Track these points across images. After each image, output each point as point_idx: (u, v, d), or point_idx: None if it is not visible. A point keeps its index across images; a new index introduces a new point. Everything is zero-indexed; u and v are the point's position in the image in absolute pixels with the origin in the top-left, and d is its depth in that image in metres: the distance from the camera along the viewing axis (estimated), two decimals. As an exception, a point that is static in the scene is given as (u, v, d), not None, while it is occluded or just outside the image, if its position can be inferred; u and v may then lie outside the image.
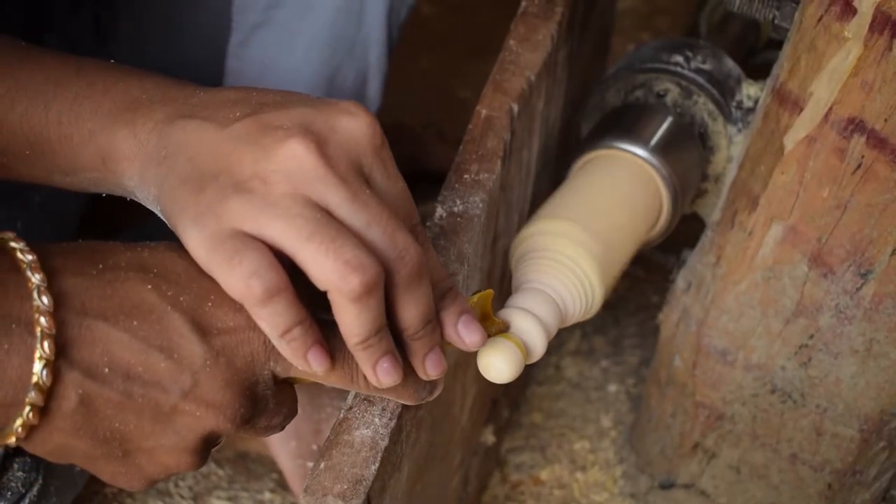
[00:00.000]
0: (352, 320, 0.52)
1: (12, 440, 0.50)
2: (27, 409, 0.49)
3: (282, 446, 1.04)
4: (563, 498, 1.09)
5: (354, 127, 0.54)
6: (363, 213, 0.52)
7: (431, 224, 0.71)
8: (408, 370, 0.57)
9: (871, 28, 0.68)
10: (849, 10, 0.69)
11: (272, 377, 0.55)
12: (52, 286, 0.50)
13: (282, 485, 1.09)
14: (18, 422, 0.50)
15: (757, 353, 0.89)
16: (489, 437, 1.03)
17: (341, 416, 0.62)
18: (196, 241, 0.51)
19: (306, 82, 0.91)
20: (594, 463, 1.12)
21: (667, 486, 1.08)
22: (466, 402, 0.87)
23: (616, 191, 0.83)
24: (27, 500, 0.81)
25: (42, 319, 0.49)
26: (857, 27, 0.69)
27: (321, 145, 0.52)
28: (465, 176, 0.74)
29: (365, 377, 0.56)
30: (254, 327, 0.53)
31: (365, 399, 0.62)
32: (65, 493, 0.87)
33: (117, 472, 0.54)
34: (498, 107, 0.78)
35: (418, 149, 1.37)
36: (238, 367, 0.53)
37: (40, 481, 0.81)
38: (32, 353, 0.48)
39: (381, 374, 0.54)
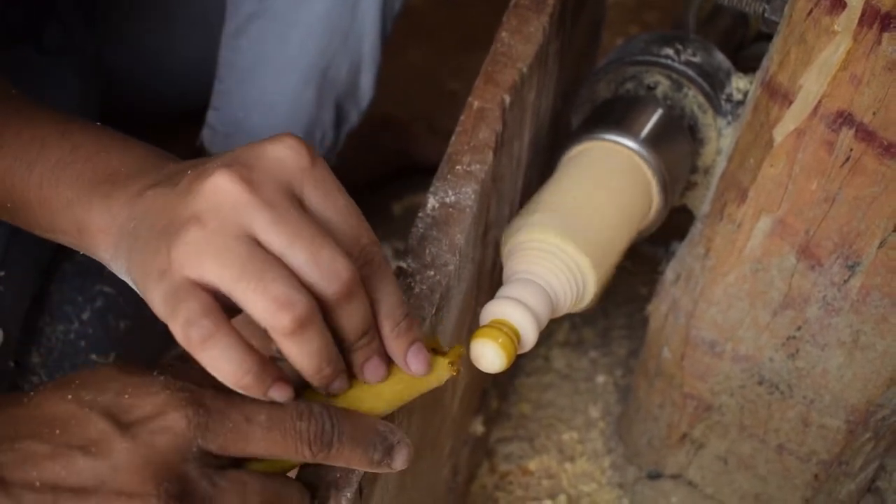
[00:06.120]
0: (295, 355, 0.52)
1: None
2: None
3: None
4: (551, 488, 1.10)
5: (279, 150, 0.54)
6: (285, 235, 0.51)
7: (423, 215, 0.72)
8: (359, 433, 0.56)
9: (861, 22, 0.68)
10: (839, 4, 0.69)
11: (204, 454, 0.53)
12: None
13: (271, 475, 1.09)
14: None
15: (745, 344, 0.90)
16: (478, 428, 1.04)
17: (334, 404, 0.62)
18: (155, 301, 0.52)
19: (300, 73, 0.91)
20: (582, 453, 1.12)
21: (654, 476, 1.08)
22: (457, 391, 0.87)
23: (606, 182, 0.83)
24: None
25: None
26: (847, 21, 0.69)
27: (245, 174, 0.52)
28: (458, 167, 0.74)
29: (314, 445, 0.55)
30: (175, 407, 0.52)
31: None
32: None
33: None
34: (490, 98, 0.78)
35: (408, 141, 1.37)
36: (160, 450, 0.52)
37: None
38: None
39: (333, 389, 0.56)
